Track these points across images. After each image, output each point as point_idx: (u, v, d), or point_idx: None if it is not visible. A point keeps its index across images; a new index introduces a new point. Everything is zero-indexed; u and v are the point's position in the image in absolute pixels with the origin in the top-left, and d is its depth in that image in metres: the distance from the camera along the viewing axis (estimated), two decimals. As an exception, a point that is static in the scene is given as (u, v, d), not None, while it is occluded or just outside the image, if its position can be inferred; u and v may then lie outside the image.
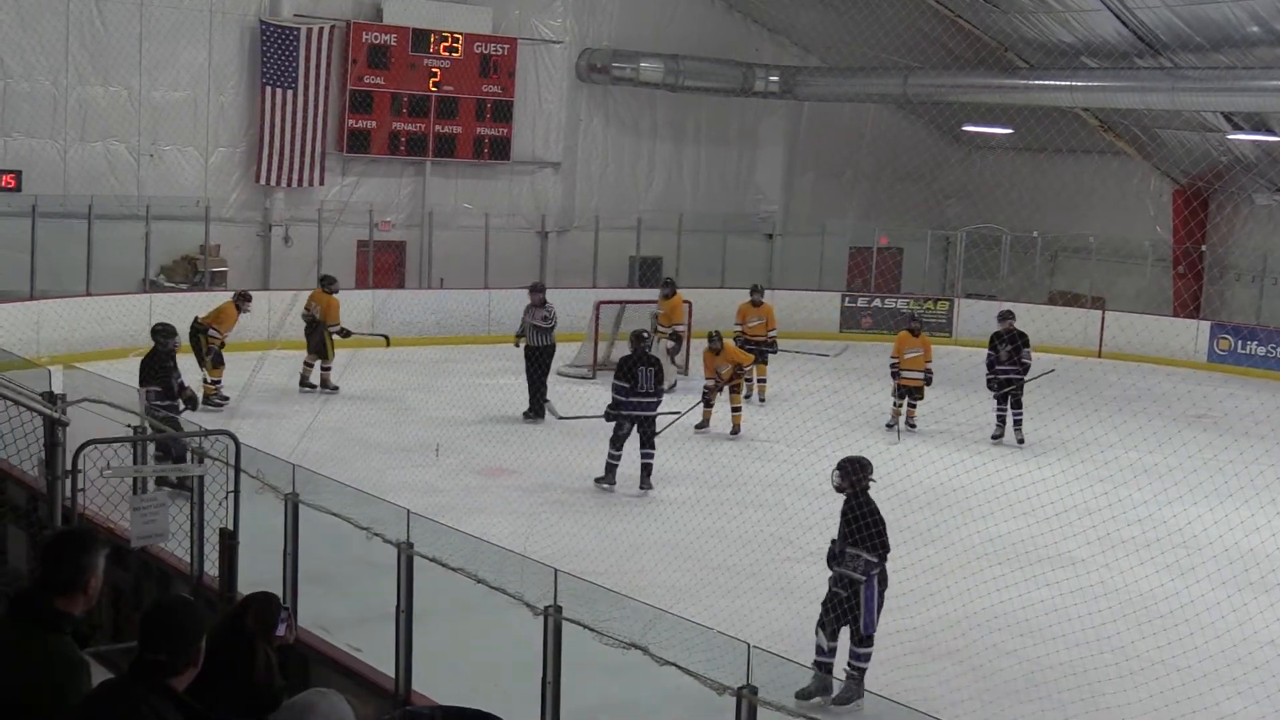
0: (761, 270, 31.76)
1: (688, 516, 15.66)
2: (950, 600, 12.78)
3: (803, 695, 9.28)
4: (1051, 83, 28.42)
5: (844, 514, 10.83)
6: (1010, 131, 32.34)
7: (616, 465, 16.72)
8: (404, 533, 8.22)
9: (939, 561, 13.59)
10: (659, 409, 17.12)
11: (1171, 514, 16.34)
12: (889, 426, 20.94)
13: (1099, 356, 29.56)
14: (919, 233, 33.35)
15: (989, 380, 21.42)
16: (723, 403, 20.40)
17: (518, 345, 21.49)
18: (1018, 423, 21.25)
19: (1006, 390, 21.21)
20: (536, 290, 21.64)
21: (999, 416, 21.30)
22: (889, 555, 10.71)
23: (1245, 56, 25.41)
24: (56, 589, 5.31)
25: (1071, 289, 32.06)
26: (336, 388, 21.46)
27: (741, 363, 20.39)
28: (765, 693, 6.66)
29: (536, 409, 20.53)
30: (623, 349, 23.01)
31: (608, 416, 16.78)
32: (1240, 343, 29.06)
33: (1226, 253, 30.80)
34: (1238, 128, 28.02)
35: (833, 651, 10.58)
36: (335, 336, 21.66)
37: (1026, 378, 21.54)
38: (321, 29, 27.77)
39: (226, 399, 19.44)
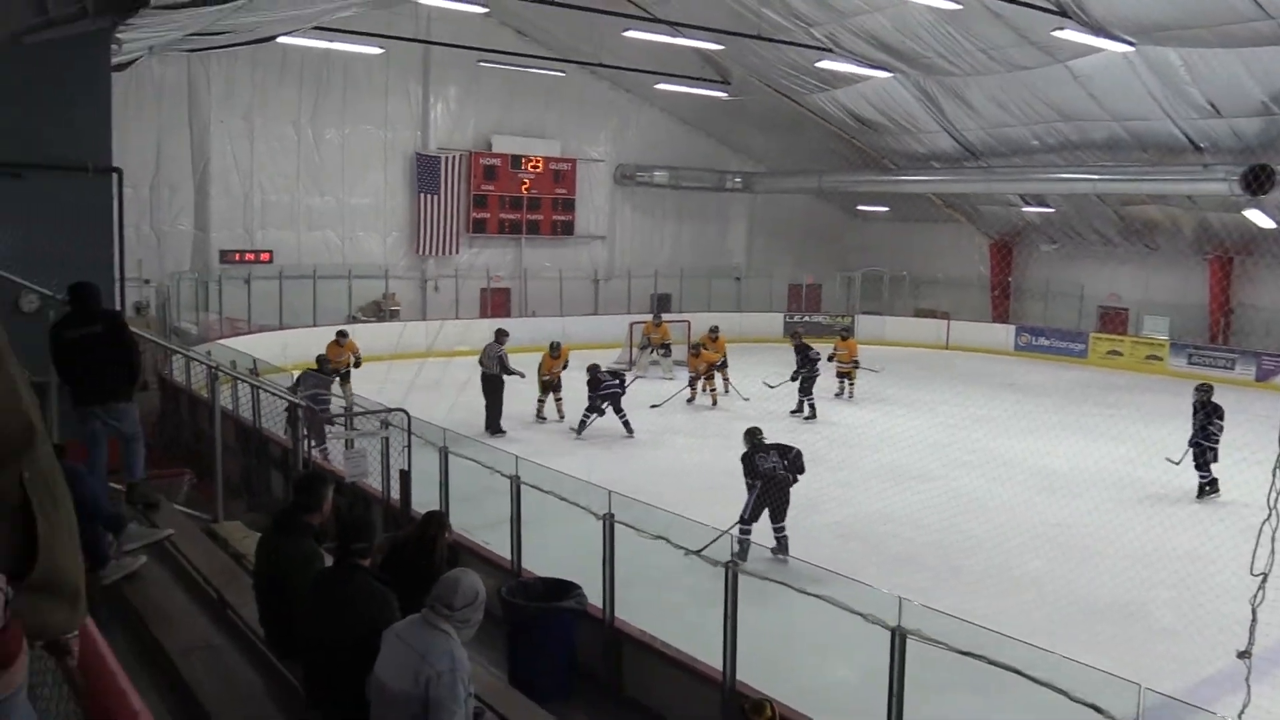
0: (731, 300, 31.77)
1: (687, 456, 15.72)
2: (857, 503, 12.79)
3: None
4: (912, 178, 28.35)
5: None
6: (887, 209, 32.33)
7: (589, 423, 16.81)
8: (514, 469, 8.28)
9: (850, 479, 13.60)
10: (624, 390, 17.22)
11: (993, 444, 16.37)
12: (836, 395, 20.61)
13: (947, 349, 29.43)
14: (832, 273, 33.24)
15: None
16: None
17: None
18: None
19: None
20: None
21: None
22: (753, 480, 10.64)
23: (1030, 160, 25.34)
24: (304, 509, 5.34)
25: (928, 307, 31.95)
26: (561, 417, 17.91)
27: (712, 362, 20.18)
28: (744, 567, 6.70)
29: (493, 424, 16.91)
30: (638, 355, 23.34)
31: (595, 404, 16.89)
32: (1034, 337, 28.89)
33: (1024, 281, 30.64)
34: (1028, 203, 27.94)
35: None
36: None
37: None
38: (455, 155, 27.82)
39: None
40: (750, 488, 10.60)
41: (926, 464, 15.17)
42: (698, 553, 6.72)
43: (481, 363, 17.21)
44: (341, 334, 17.96)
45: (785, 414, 18.68)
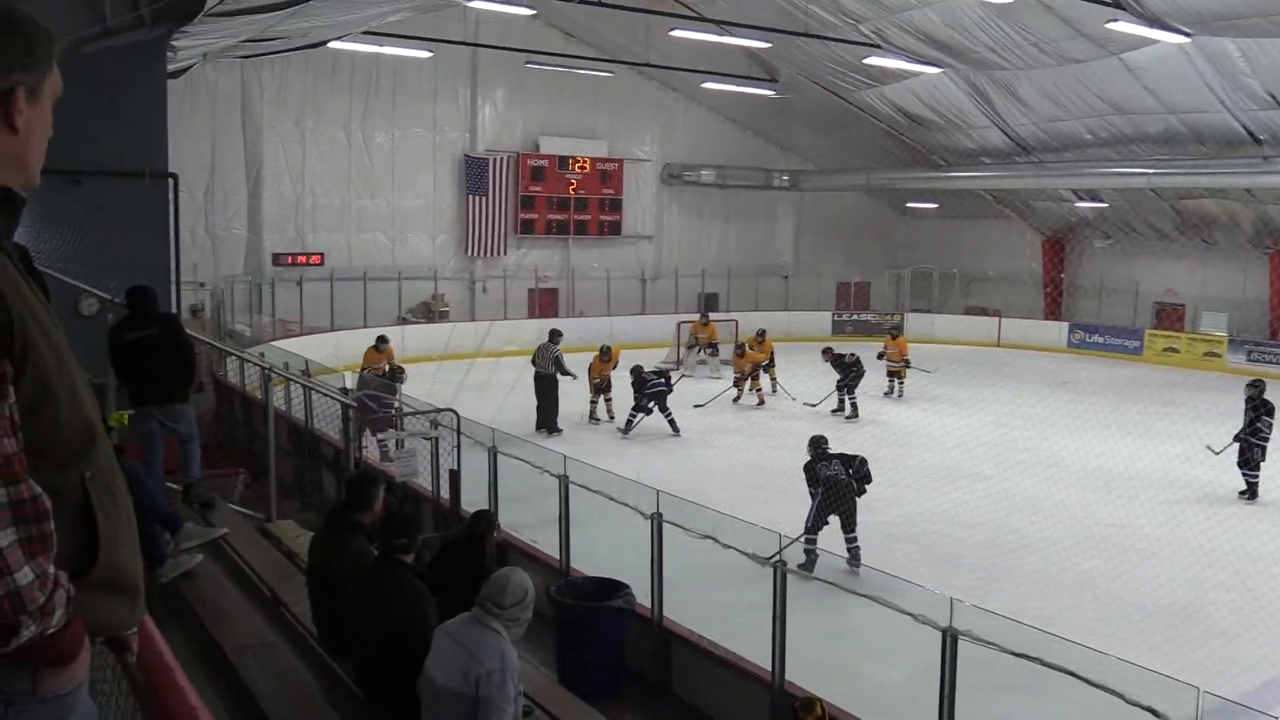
0: (779, 298, 31.63)
1: (735, 455, 15.67)
2: (908, 503, 12.68)
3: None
4: (962, 174, 28.05)
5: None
6: (936, 205, 31.98)
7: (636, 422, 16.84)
8: (562, 469, 8.30)
9: (900, 479, 13.46)
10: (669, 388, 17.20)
11: (1046, 444, 16.17)
12: (886, 394, 20.43)
13: (998, 346, 29.06)
14: (880, 271, 32.96)
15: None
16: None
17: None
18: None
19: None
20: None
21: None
22: (815, 489, 10.44)
23: (1083, 154, 24.97)
24: (356, 508, 5.40)
25: (978, 304, 31.59)
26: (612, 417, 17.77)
27: (757, 361, 20.13)
28: (790, 566, 6.66)
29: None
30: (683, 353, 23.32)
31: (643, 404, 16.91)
32: (1087, 335, 28.47)
33: (1077, 278, 30.18)
34: (1081, 199, 27.52)
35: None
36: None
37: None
38: (503, 157, 27.96)
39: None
40: (814, 497, 10.40)
41: (978, 463, 15.00)
42: (768, 561, 6.58)
43: (535, 363, 17.27)
44: (382, 339, 16.50)
45: (828, 413, 18.57)
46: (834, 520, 10.33)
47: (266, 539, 7.64)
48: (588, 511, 8.10)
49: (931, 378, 21.01)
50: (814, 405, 19.14)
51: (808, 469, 10.60)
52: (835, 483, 10.33)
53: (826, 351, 19.40)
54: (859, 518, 10.41)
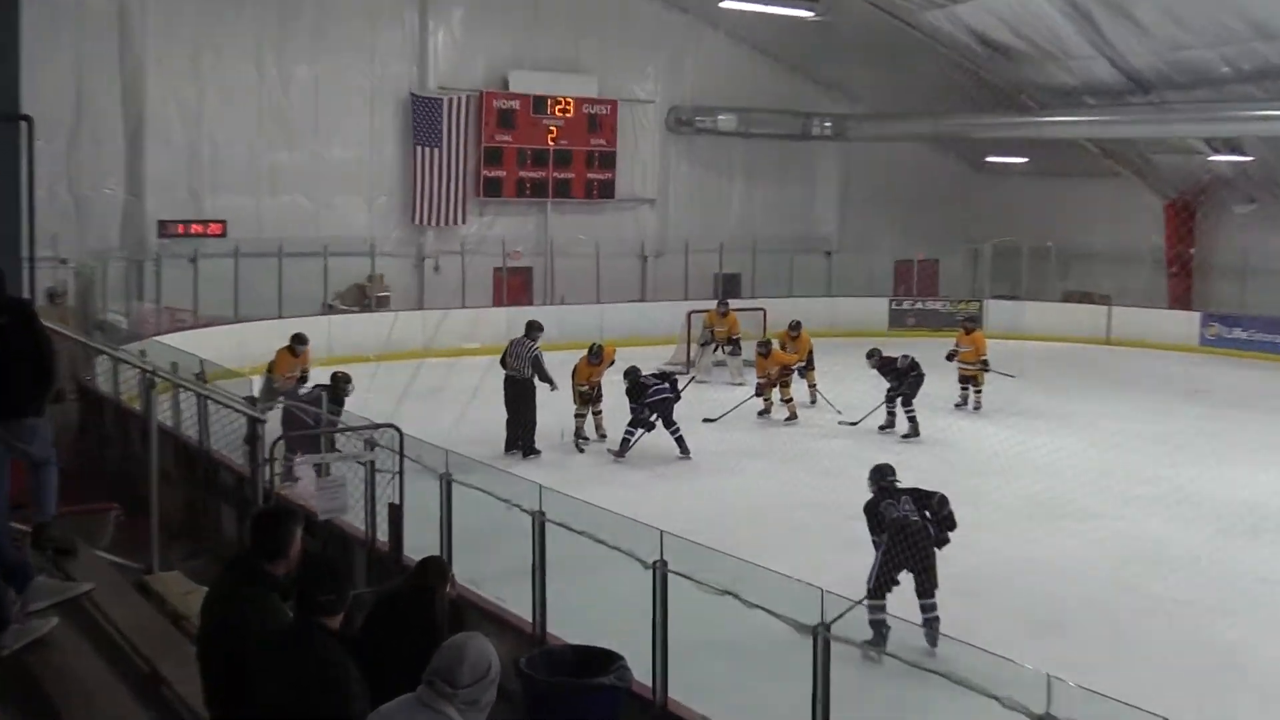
0: (820, 281, 31.60)
1: (762, 485, 15.60)
2: (991, 550, 12.58)
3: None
4: (1058, 119, 28.11)
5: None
6: (1025, 160, 32.01)
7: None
8: (537, 503, 8.22)
9: (981, 518, 13.34)
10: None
11: (1174, 473, 16.16)
12: (956, 407, 20.53)
13: (1108, 344, 29.09)
14: (952, 246, 33.00)
15: None
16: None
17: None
18: None
19: None
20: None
21: None
22: (879, 535, 10.16)
23: (1220, 92, 24.97)
24: (265, 555, 5.34)
25: (1082, 288, 31.61)
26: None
27: (788, 364, 20.12)
28: (838, 630, 6.57)
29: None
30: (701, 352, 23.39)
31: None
32: (1226, 329, 28.54)
33: (1212, 254, 30.21)
34: (1217, 150, 27.54)
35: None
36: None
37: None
38: (460, 98, 27.96)
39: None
40: (877, 547, 10.10)
41: (1082, 497, 14.95)
42: (809, 628, 6.44)
43: (506, 364, 17.27)
44: (299, 339, 16.61)
45: (875, 430, 18.63)
46: (905, 577, 10.13)
47: (145, 596, 7.59)
48: (571, 559, 8.05)
49: (1017, 384, 20.95)
50: (854, 423, 19.09)
51: (870, 510, 10.34)
52: (907, 528, 10.03)
53: (873, 354, 19.30)
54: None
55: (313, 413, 12.32)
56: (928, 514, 10.18)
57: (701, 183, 32.00)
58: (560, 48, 29.26)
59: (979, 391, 20.74)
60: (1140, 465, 16.56)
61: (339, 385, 14.61)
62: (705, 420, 18.89)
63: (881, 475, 10.57)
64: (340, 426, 11.02)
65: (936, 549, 10.08)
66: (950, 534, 10.27)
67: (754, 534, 12.51)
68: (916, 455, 16.54)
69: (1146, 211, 31.06)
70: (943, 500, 10.28)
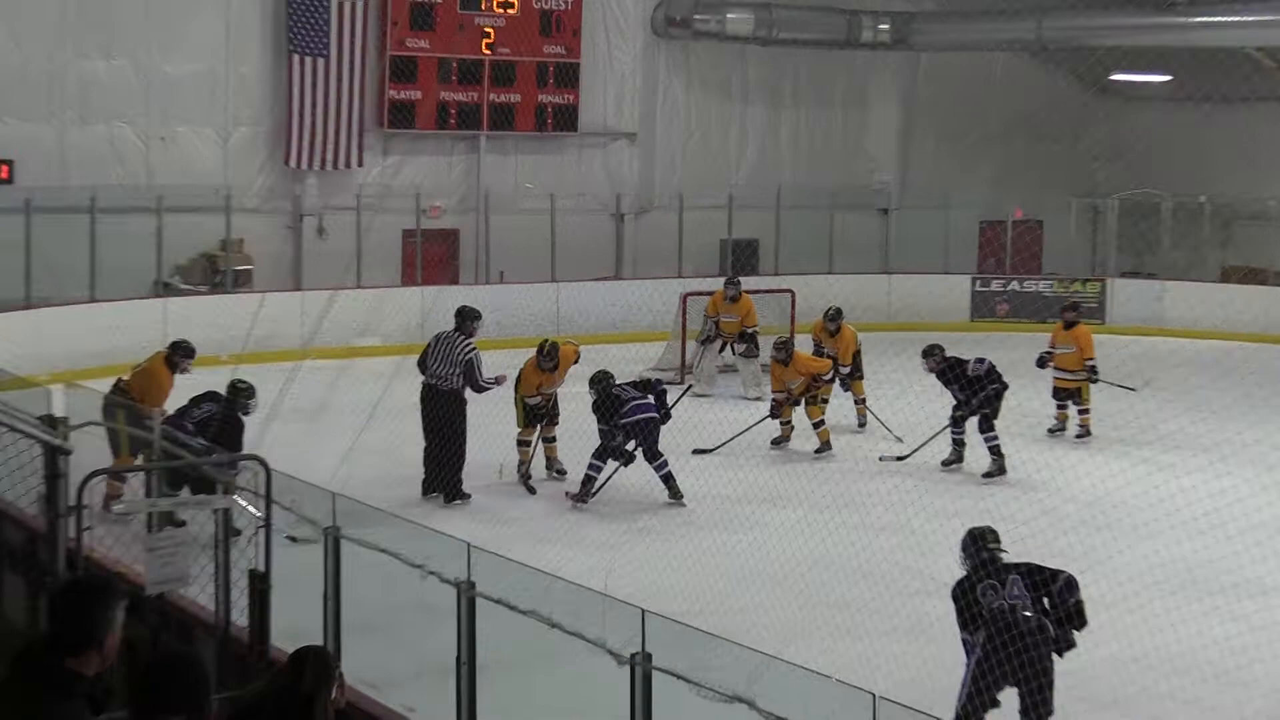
0: (877, 252, 31.63)
1: (794, 544, 15.54)
2: (1116, 639, 12.58)
3: None
4: (1218, 19, 28.12)
5: None
6: (1169, 79, 32.16)
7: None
8: (464, 570, 8.21)
9: (1101, 592, 13.31)
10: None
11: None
12: (1050, 432, 20.74)
13: (1284, 343, 29.18)
14: (1062, 202, 33.18)
15: None
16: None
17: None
18: None
19: None
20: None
21: None
22: (974, 631, 9.94)
23: None
24: (67, 647, 5.30)
25: (1250, 263, 31.68)
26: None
27: (816, 372, 20.11)
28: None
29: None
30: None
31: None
32: None
33: None
34: None
35: None
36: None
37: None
38: (355, -15, 27.99)
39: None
40: (969, 650, 9.96)
41: (1250, 564, 14.86)
42: None
43: (426, 368, 17.39)
44: (183, 349, 16.93)
45: (939, 468, 18.84)
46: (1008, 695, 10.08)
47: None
48: (513, 650, 8.06)
49: (1146, 400, 21.06)
50: (900, 457, 19.26)
51: (962, 594, 10.09)
52: (1015, 624, 9.84)
53: (933, 353, 19.20)
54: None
55: (197, 447, 12.27)
56: (1045, 602, 9.96)
57: (702, 110, 32.19)
58: (500, -86, 29.35)
59: (1085, 411, 20.79)
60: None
61: (238, 398, 14.59)
62: (696, 451, 18.97)
63: (978, 544, 10.24)
64: (178, 462, 10.93)
65: (1057, 656, 9.91)
66: (1076, 633, 10.08)
67: (775, 614, 12.51)
68: (1003, 502, 16.51)
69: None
70: (1070, 584, 9.97)
